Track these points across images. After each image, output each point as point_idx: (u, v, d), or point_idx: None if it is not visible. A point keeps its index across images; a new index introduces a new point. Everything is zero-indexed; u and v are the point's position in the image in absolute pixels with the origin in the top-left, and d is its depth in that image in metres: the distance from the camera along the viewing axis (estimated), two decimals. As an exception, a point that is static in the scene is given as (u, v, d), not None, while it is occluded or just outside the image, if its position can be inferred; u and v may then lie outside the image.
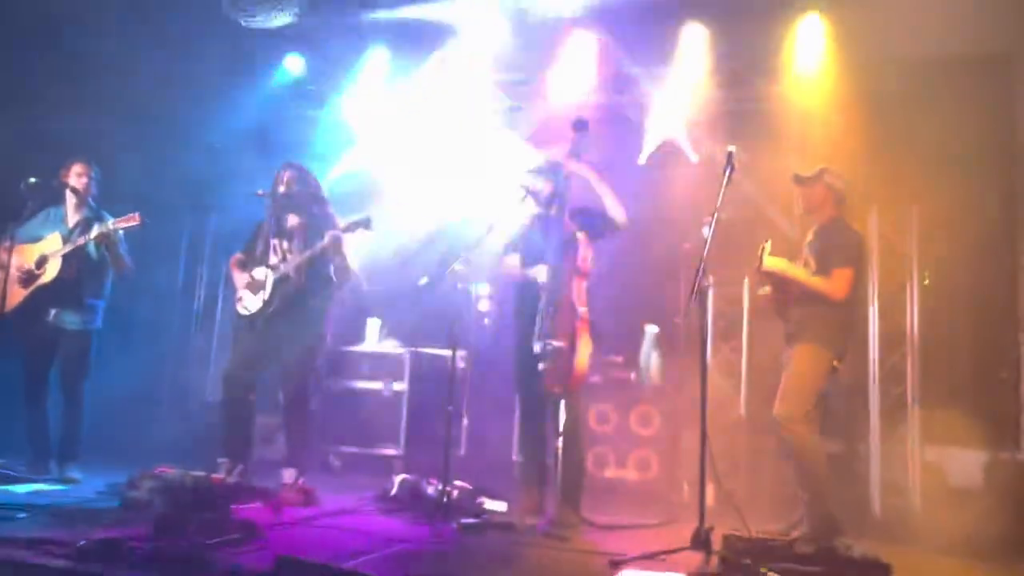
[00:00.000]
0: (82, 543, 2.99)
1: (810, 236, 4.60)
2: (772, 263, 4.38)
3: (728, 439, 5.91)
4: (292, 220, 5.15)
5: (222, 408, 4.97)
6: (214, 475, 4.45)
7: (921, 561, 4.08)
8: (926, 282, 6.32)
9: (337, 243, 4.87)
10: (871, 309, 6.24)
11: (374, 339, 6.97)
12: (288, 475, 4.94)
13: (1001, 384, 5.91)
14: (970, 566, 4.15)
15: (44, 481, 4.83)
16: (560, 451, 4.34)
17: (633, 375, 6.47)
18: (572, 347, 4.23)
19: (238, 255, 5.26)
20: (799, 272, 4.40)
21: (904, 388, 6.13)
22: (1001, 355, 6.04)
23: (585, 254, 4.45)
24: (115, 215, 5.11)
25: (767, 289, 4.62)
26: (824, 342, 4.34)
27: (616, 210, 4.57)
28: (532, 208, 4.85)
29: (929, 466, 5.97)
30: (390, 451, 6.51)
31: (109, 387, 5.53)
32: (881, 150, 6.37)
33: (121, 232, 5.12)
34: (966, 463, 6.02)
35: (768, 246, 4.37)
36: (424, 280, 4.60)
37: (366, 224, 4.88)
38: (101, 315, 5.28)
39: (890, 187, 6.18)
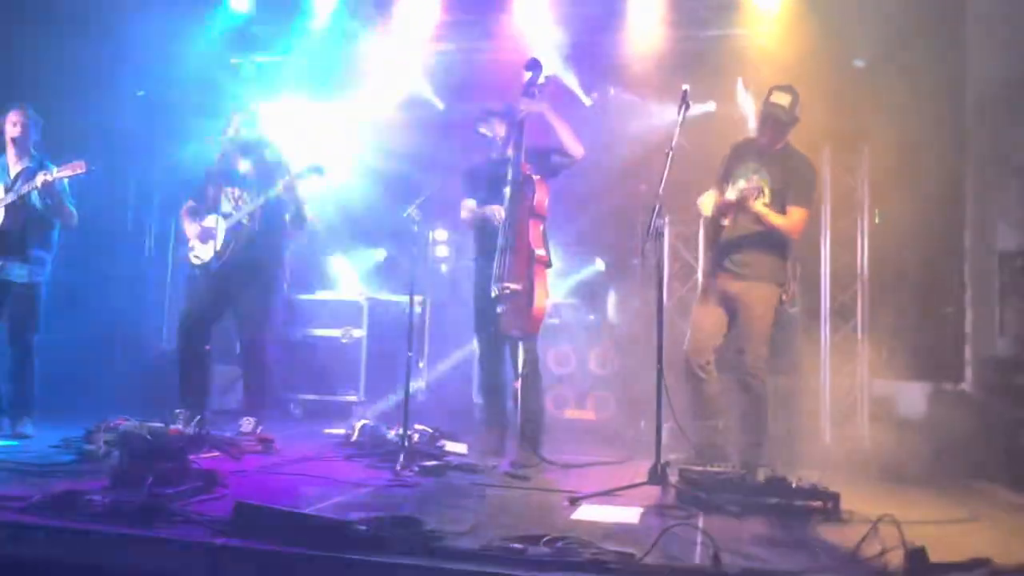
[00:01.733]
0: (37, 497, 2.96)
1: (753, 162, 4.43)
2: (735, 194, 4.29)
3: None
4: (243, 166, 5.04)
5: (178, 359, 4.92)
6: (172, 426, 4.41)
7: (869, 489, 4.22)
8: (877, 220, 6.44)
9: (291, 189, 4.78)
10: (823, 247, 6.36)
11: (336, 284, 6.94)
12: (246, 423, 4.92)
13: (945, 319, 6.09)
14: (915, 492, 4.31)
15: (-2, 437, 4.76)
16: (519, 393, 4.38)
17: (592, 316, 6.53)
18: (529, 290, 4.24)
19: (189, 203, 5.14)
20: (764, 208, 4.25)
21: (854, 323, 6.30)
22: (946, 291, 6.21)
23: (541, 196, 4.43)
24: (60, 164, 4.93)
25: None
26: (775, 279, 4.39)
27: (571, 141, 4.55)
28: (488, 151, 4.82)
29: (877, 398, 6.17)
30: (350, 397, 6.53)
31: (61, 339, 5.42)
32: (834, 89, 6.40)
33: (66, 181, 4.95)
34: (912, 394, 6.23)
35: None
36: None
37: (319, 170, 4.80)
38: (49, 267, 5.14)
39: (842, 126, 6.23)
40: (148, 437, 4.03)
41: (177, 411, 4.74)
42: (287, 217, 4.91)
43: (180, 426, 4.52)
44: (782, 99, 4.32)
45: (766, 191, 4.26)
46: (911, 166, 6.03)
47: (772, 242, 4.35)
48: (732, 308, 4.41)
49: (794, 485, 3.52)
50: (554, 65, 6.63)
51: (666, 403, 3.85)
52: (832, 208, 6.36)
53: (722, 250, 4.44)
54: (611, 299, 6.61)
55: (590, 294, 6.63)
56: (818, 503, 3.46)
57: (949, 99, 6.07)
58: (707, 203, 4.45)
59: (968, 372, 6.12)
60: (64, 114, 5.65)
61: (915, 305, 6.49)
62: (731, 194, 4.30)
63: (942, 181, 6.14)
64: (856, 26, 6.12)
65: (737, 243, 4.38)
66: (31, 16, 6.21)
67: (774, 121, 4.33)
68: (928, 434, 5.62)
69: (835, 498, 3.45)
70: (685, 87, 4.01)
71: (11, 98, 5.21)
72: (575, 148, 4.55)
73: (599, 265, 6.65)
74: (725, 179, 4.42)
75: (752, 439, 4.32)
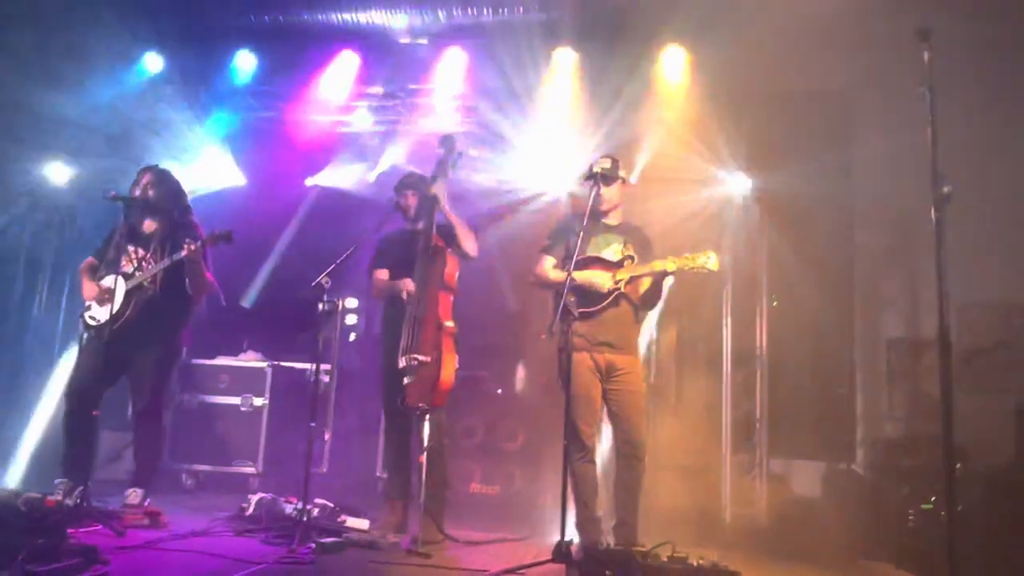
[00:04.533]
0: None
1: (610, 234, 4.36)
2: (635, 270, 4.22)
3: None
4: (149, 226, 4.89)
5: (63, 423, 4.64)
6: (50, 496, 4.14)
7: (767, 568, 4.29)
8: (775, 303, 6.72)
9: (196, 254, 4.62)
10: (724, 328, 6.58)
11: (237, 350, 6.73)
12: (133, 495, 4.63)
13: (839, 400, 6.35)
14: (810, 569, 4.40)
15: None
16: (424, 466, 4.30)
17: (499, 390, 6.52)
18: (437, 362, 4.22)
19: (89, 260, 4.93)
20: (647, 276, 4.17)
21: (753, 403, 6.49)
22: (839, 373, 6.49)
23: (452, 269, 4.46)
24: None
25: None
26: (639, 352, 4.41)
27: (467, 242, 4.60)
28: (401, 222, 4.84)
29: (774, 477, 6.33)
30: (248, 469, 6.27)
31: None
32: (735, 179, 6.76)
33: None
34: (808, 474, 6.43)
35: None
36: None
37: (227, 238, 4.67)
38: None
39: (745, 215, 6.56)
40: (22, 508, 3.78)
41: (58, 480, 4.44)
42: (188, 282, 4.74)
43: (60, 497, 4.24)
44: (604, 163, 4.34)
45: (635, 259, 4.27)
46: (806, 255, 6.37)
47: (637, 316, 4.39)
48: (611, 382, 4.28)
49: (695, 563, 3.55)
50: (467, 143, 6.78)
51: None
52: (732, 290, 6.61)
53: (595, 324, 4.24)
54: (519, 372, 6.62)
55: (498, 367, 6.63)
56: (717, 581, 3.49)
57: (838, 185, 6.49)
58: (600, 278, 4.23)
59: (859, 452, 6.37)
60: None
61: (810, 386, 6.75)
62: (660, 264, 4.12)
63: (834, 265, 6.51)
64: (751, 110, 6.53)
65: (608, 313, 4.23)
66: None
67: (602, 178, 4.25)
68: (822, 512, 5.79)
69: (734, 576, 3.49)
70: (597, 169, 4.15)
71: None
72: (470, 247, 4.60)
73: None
74: (573, 250, 4.11)
75: (625, 517, 4.20)
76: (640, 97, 6.73)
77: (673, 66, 6.76)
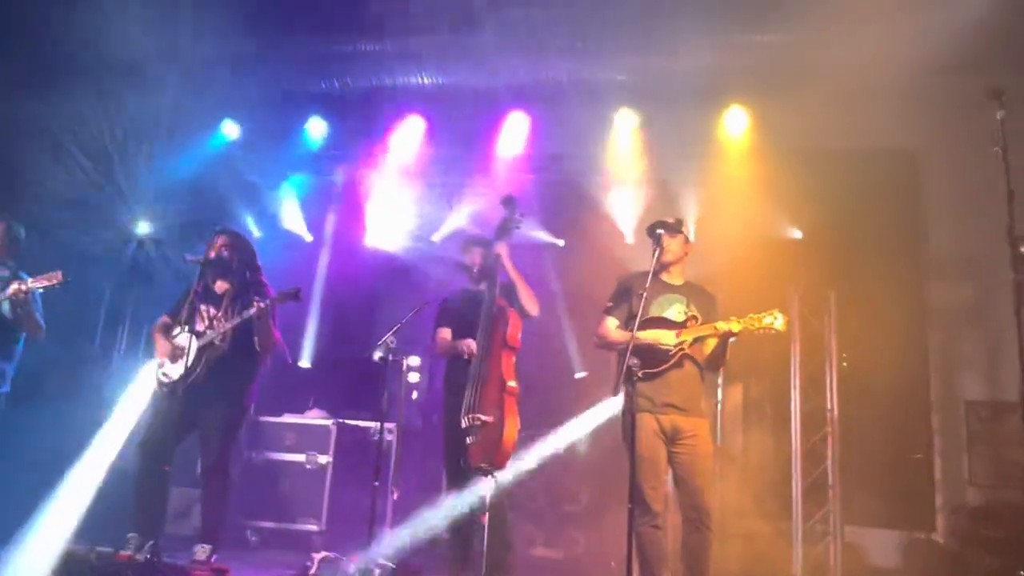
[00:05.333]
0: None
1: (672, 294, 4.27)
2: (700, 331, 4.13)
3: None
4: (221, 286, 5.05)
5: (135, 479, 4.74)
6: (121, 552, 4.22)
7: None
8: (844, 364, 6.55)
9: (265, 312, 4.76)
10: (793, 389, 6.42)
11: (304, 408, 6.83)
12: (201, 552, 4.69)
13: (916, 465, 6.11)
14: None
15: (-64, 559, 4.51)
16: (486, 529, 4.26)
17: (561, 451, 6.45)
18: (500, 421, 4.20)
19: (163, 319, 5.11)
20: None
21: (824, 468, 6.27)
22: (915, 436, 6.26)
23: (514, 329, 4.46)
24: (37, 275, 4.90)
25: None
26: (708, 415, 4.31)
27: (528, 302, 4.63)
28: (465, 281, 4.90)
29: (849, 546, 6.08)
30: (311, 526, 6.30)
31: (16, 455, 5.24)
32: (800, 237, 6.68)
33: (39, 292, 4.92)
34: (884, 543, 6.17)
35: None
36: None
37: (295, 296, 4.79)
38: (10, 378, 5.03)
39: (809, 272, 6.45)
40: (95, 562, 3.86)
41: (130, 535, 4.53)
42: (256, 339, 4.87)
43: (131, 552, 4.32)
44: (667, 218, 4.32)
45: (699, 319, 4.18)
46: (876, 313, 6.22)
47: (702, 377, 4.29)
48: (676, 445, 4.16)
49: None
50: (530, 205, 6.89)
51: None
52: (801, 351, 6.46)
53: (660, 385, 4.14)
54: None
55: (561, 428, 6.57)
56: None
57: (909, 243, 6.35)
58: (664, 338, 4.13)
59: (939, 520, 6.09)
60: (49, 227, 5.72)
61: (885, 450, 6.52)
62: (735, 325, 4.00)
63: (906, 328, 6.33)
64: (816, 170, 6.47)
65: (676, 375, 4.14)
66: (26, 131, 6.36)
67: (666, 229, 4.21)
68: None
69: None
70: (659, 231, 4.14)
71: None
72: (531, 307, 4.64)
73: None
74: (636, 311, 4.01)
75: None
76: (702, 156, 6.75)
77: (735, 125, 6.79)
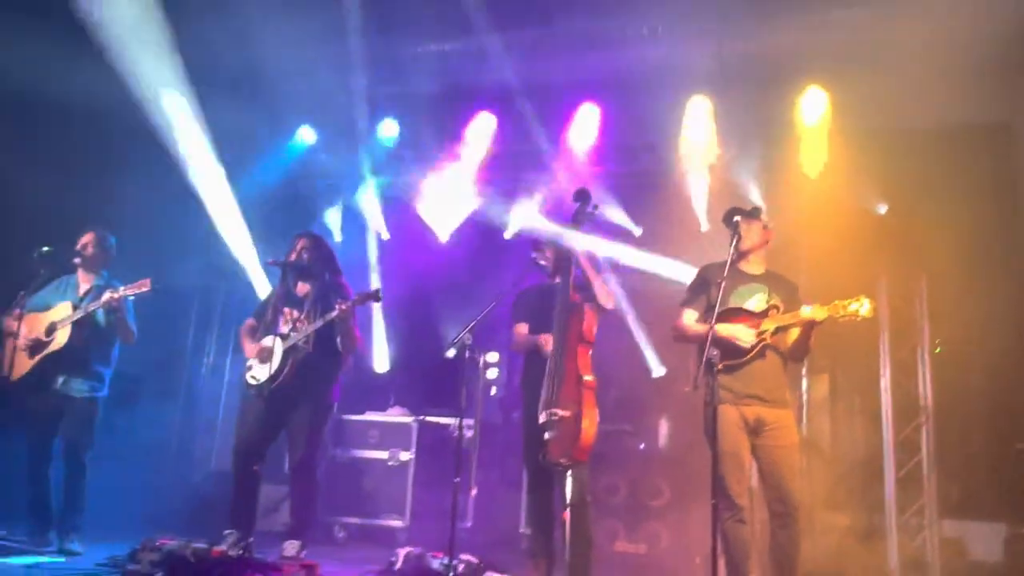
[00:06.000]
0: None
1: (753, 283, 4.16)
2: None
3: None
4: (303, 288, 5.18)
5: (233, 479, 4.91)
6: (215, 547, 4.36)
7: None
8: (937, 350, 6.28)
9: (347, 314, 4.87)
10: (882, 378, 6.19)
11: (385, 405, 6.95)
12: (290, 547, 4.85)
13: (1018, 455, 5.80)
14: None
15: (44, 553, 4.76)
16: (567, 524, 4.24)
17: (642, 445, 6.38)
18: (578, 416, 4.17)
19: (249, 322, 5.27)
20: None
21: (919, 458, 6.03)
22: (1016, 425, 5.95)
23: (590, 323, 4.42)
24: (128, 282, 5.11)
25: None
26: (790, 404, 4.13)
27: (604, 296, 4.56)
28: (539, 276, 4.88)
29: (948, 540, 5.83)
30: (396, 522, 6.40)
31: (115, 455, 5.49)
32: (888, 219, 6.42)
33: (131, 299, 5.12)
34: (986, 537, 5.89)
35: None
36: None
37: (375, 296, 4.90)
38: (108, 382, 5.26)
39: (898, 255, 6.20)
40: (191, 559, 4.00)
41: (227, 532, 4.70)
42: (339, 340, 4.97)
43: (226, 547, 4.46)
44: (744, 206, 4.21)
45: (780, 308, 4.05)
46: (972, 295, 5.93)
47: (786, 367, 4.16)
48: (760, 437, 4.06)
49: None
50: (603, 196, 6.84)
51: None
52: (890, 338, 6.22)
53: (742, 377, 4.04)
54: (662, 426, 6.47)
55: (641, 421, 6.50)
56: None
57: (1004, 223, 6.03)
58: (743, 333, 4.01)
59: (1046, 513, 5.78)
60: (134, 233, 5.94)
61: (985, 440, 6.22)
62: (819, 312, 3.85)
63: (1005, 311, 6.01)
64: (902, 150, 6.20)
65: (761, 364, 4.03)
66: (105, 139, 6.60)
67: (744, 216, 4.10)
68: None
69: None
70: (736, 218, 4.04)
71: (89, 218, 5.51)
72: (606, 301, 4.56)
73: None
74: (715, 302, 3.90)
75: None
76: (779, 140, 6.57)
77: (814, 107, 6.57)
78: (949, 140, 6.34)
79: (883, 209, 6.49)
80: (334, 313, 4.84)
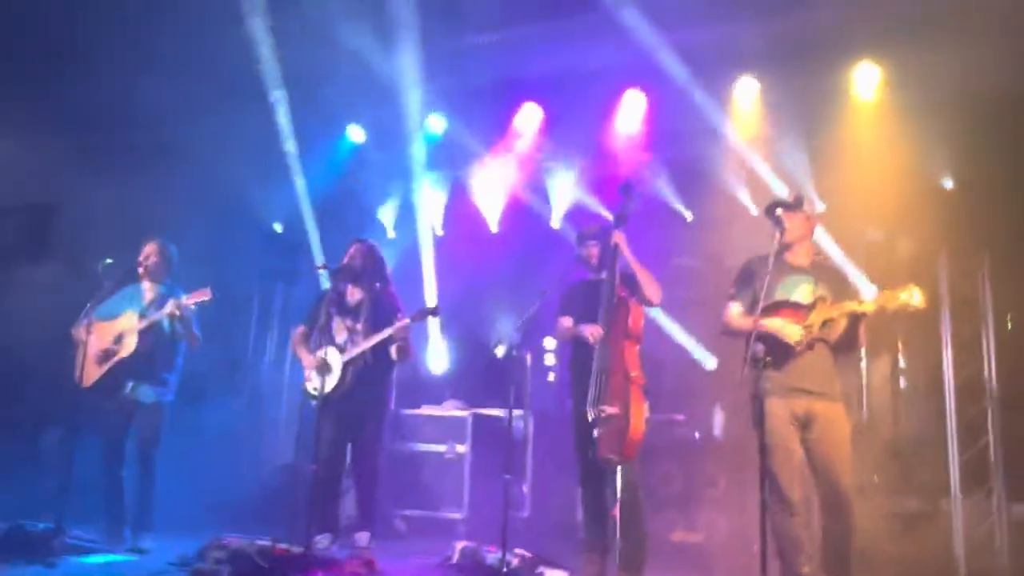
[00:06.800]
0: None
1: (799, 275, 4.09)
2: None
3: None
4: (354, 294, 5.30)
5: (322, 487, 5.06)
6: (278, 545, 4.53)
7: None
8: (1009, 327, 6.09)
9: (405, 331, 5.04)
10: (944, 357, 6.03)
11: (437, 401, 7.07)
12: (362, 538, 5.10)
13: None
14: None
15: (118, 551, 5.00)
16: (618, 520, 4.27)
17: (697, 434, 6.35)
18: (626, 413, 4.18)
19: (300, 329, 5.44)
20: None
21: (986, 441, 5.86)
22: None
23: (636, 319, 4.41)
24: (190, 290, 5.30)
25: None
26: (843, 398, 4.07)
27: (651, 290, 4.54)
28: (585, 272, 4.89)
29: (1017, 525, 5.67)
30: (454, 514, 6.52)
31: (183, 454, 5.72)
32: (948, 195, 6.22)
33: (193, 306, 5.32)
34: (1057, 520, 5.71)
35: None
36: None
37: (433, 313, 5.06)
38: (173, 388, 5.48)
39: (958, 232, 6.01)
40: (255, 558, 4.16)
41: (320, 536, 4.92)
42: (394, 351, 5.12)
43: (287, 546, 4.60)
44: (785, 197, 4.21)
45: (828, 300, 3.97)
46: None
47: (836, 358, 4.08)
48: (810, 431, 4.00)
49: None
50: (653, 182, 6.79)
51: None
52: (952, 316, 6.04)
53: (790, 370, 3.97)
54: (716, 415, 6.42)
55: (694, 410, 6.47)
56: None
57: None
58: (789, 329, 3.93)
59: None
60: (197, 242, 6.15)
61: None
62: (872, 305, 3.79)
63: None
64: (958, 121, 5.97)
65: (810, 357, 3.97)
66: (164, 151, 6.82)
67: (785, 209, 4.06)
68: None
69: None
70: (778, 210, 3.98)
71: (150, 228, 5.73)
72: (653, 295, 4.55)
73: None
74: (760, 295, 3.87)
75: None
76: (831, 119, 6.41)
77: (866, 82, 6.38)
78: (1014, 107, 6.08)
79: (948, 184, 6.29)
80: (391, 331, 4.99)
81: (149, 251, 5.53)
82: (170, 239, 5.67)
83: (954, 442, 5.86)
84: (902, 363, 6.79)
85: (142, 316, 5.35)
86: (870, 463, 6.04)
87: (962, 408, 5.95)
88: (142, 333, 5.31)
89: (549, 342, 7.83)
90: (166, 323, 5.36)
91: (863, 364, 6.50)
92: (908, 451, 6.25)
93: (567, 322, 4.81)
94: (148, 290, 5.53)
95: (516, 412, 5.57)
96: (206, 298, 5.25)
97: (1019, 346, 5.98)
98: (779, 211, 3.97)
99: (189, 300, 5.25)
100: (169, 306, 5.23)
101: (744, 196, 6.88)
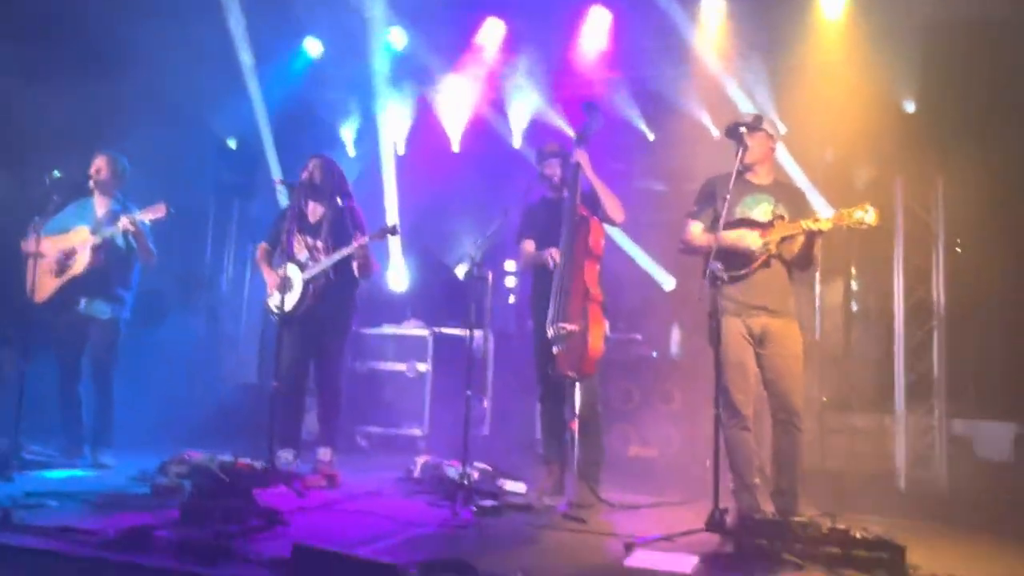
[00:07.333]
0: (112, 533, 3.11)
1: (759, 194, 4.13)
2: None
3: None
4: (315, 210, 5.20)
5: (287, 404, 5.04)
6: (240, 459, 4.55)
7: (944, 541, 4.03)
8: (959, 250, 6.24)
9: (365, 248, 4.94)
10: (895, 282, 6.17)
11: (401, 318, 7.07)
12: (324, 453, 5.09)
13: (1030, 354, 5.83)
14: (997, 544, 4.10)
15: (78, 467, 5.00)
16: (577, 433, 4.37)
17: (654, 352, 6.47)
18: (585, 330, 4.24)
19: (263, 246, 5.32)
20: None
21: (931, 361, 6.07)
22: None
23: (596, 237, 4.43)
24: (143, 204, 5.17)
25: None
26: (797, 315, 4.18)
27: (612, 208, 4.55)
28: (546, 191, 4.87)
29: (956, 439, 5.93)
30: (415, 431, 6.61)
31: (142, 372, 5.68)
32: (907, 118, 6.26)
33: (148, 222, 5.19)
34: (995, 436, 5.98)
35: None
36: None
37: (393, 231, 4.96)
38: (129, 304, 5.39)
39: (913, 157, 6.07)
40: (217, 472, 4.18)
41: (282, 451, 4.90)
42: (356, 268, 5.05)
43: (248, 460, 4.62)
44: (745, 116, 4.19)
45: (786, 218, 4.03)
46: (988, 195, 5.82)
47: (792, 277, 4.17)
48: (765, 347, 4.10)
49: (858, 536, 3.40)
50: (616, 101, 6.72)
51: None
52: (904, 241, 6.17)
53: (747, 288, 4.06)
54: (673, 334, 6.54)
55: (652, 329, 6.58)
56: (882, 555, 3.33)
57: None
58: (749, 239, 4.00)
59: (1056, 412, 5.84)
60: (149, 155, 5.96)
61: (999, 342, 6.24)
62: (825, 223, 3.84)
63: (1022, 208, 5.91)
64: (918, 47, 5.98)
65: (764, 275, 4.05)
66: (113, 61, 6.53)
67: (746, 129, 4.05)
68: (1013, 478, 5.38)
69: (900, 551, 3.32)
70: (741, 130, 3.97)
71: (100, 140, 5.53)
72: (615, 213, 4.56)
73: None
74: (721, 213, 3.93)
75: (783, 485, 4.03)
76: (795, 42, 6.36)
77: (833, 2, 6.32)
78: (964, 35, 6.07)
79: (910, 107, 6.31)
80: (351, 248, 4.90)
81: (100, 164, 5.35)
82: (121, 151, 5.49)
83: (900, 362, 6.05)
84: (855, 287, 6.96)
85: (94, 231, 5.22)
86: (820, 382, 6.24)
87: (910, 331, 6.13)
88: (95, 249, 5.19)
89: (510, 265, 7.83)
90: (120, 239, 5.24)
91: (817, 288, 6.63)
92: (857, 370, 6.46)
93: (529, 246, 4.81)
94: (99, 205, 5.38)
95: (477, 331, 5.59)
96: (161, 215, 5.13)
97: (968, 270, 6.13)
98: (742, 130, 3.97)
99: (142, 215, 5.13)
100: (123, 221, 5.10)
101: (706, 118, 6.84)
